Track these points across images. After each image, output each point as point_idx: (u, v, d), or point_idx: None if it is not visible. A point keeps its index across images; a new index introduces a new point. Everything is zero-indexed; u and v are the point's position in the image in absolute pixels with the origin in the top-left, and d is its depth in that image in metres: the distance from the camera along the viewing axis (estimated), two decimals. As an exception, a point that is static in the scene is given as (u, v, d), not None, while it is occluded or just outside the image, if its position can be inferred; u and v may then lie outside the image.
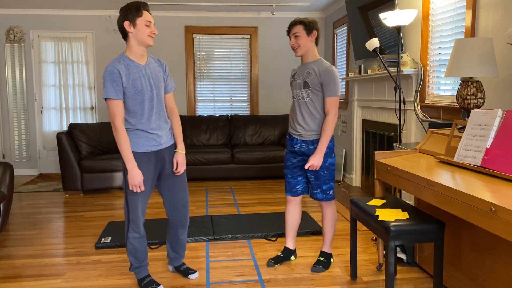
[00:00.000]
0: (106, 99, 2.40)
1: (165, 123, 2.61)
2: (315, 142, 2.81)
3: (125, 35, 2.46)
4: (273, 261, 3.01)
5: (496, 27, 2.85)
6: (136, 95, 2.44)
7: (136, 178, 2.43)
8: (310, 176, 2.87)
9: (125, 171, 2.49)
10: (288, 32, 2.82)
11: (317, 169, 2.76)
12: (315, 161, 2.72)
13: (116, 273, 2.94)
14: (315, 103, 2.78)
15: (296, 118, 2.87)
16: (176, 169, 2.65)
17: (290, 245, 3.10)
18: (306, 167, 2.74)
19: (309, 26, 2.76)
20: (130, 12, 2.40)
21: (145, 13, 2.43)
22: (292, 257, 3.11)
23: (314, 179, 2.85)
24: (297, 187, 2.96)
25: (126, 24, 2.41)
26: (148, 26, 2.43)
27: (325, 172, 2.82)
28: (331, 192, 2.87)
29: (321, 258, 2.99)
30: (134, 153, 2.49)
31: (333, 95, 2.72)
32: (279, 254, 3.08)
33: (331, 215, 2.93)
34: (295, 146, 2.88)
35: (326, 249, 3.00)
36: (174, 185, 2.69)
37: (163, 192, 2.71)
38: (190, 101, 6.76)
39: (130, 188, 2.46)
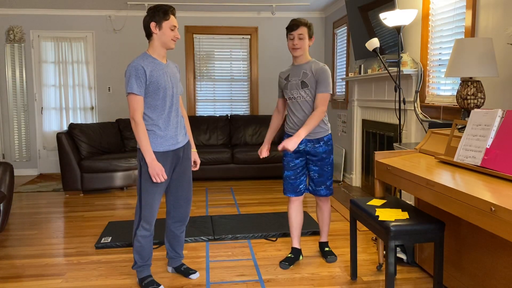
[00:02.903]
0: (129, 93, 2.46)
1: (182, 122, 2.70)
2: (320, 140, 2.88)
3: (149, 35, 2.53)
4: (287, 263, 2.97)
5: (496, 27, 2.85)
6: (159, 91, 2.50)
7: (156, 168, 2.47)
8: (313, 175, 2.95)
9: (141, 168, 2.54)
10: (291, 30, 2.81)
11: (291, 151, 2.74)
12: (289, 145, 2.66)
13: (116, 273, 2.94)
14: (314, 101, 2.86)
15: (297, 118, 2.89)
16: (195, 167, 2.91)
17: (297, 244, 3.11)
18: (279, 148, 2.67)
19: (311, 30, 2.88)
20: (158, 14, 2.47)
21: (171, 17, 2.51)
22: (301, 257, 3.12)
23: (318, 177, 2.95)
24: (300, 187, 3.00)
25: (152, 25, 2.48)
26: (172, 30, 2.51)
27: (329, 168, 2.95)
28: (331, 187, 3.04)
29: (327, 249, 3.15)
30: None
31: (324, 91, 2.80)
32: (289, 255, 3.06)
33: (329, 208, 3.13)
34: (299, 146, 2.90)
35: (326, 238, 3.20)
36: (181, 182, 2.75)
37: (170, 187, 2.75)
38: (190, 101, 6.76)
39: (153, 179, 2.49)
